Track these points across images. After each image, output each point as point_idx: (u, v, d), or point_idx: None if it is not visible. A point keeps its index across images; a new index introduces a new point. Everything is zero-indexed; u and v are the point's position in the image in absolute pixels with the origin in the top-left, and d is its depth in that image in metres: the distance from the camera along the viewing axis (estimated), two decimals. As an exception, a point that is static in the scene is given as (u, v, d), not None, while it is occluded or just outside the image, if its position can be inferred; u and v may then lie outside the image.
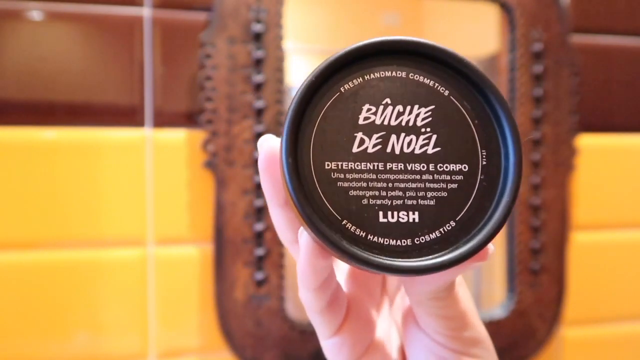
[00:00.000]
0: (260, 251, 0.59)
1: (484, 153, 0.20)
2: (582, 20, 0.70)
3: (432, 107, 0.20)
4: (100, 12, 0.58)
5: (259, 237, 0.59)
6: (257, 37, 0.59)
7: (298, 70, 0.66)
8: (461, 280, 0.26)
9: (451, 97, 0.21)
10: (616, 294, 0.71)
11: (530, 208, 0.66)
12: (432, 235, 0.20)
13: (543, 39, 0.66)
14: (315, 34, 0.69)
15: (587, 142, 0.70)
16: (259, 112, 0.59)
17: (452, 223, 0.20)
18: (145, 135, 0.59)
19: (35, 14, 0.57)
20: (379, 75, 0.21)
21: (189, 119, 0.60)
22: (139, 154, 0.59)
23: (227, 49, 0.58)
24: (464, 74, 0.21)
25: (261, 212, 0.59)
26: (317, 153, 0.20)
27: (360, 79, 0.21)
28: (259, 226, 0.59)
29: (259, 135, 0.59)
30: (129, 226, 0.59)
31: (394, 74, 0.21)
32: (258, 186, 0.59)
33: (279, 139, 0.22)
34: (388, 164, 0.20)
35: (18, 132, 0.56)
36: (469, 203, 0.20)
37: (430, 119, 0.20)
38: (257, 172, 0.59)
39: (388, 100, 0.20)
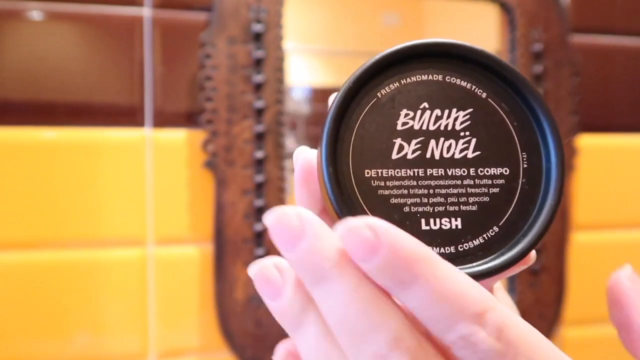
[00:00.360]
0: (260, 251, 0.59)
1: (525, 155, 0.20)
2: (582, 20, 0.70)
3: (471, 110, 0.20)
4: (100, 12, 0.58)
5: (259, 237, 0.59)
6: (257, 37, 0.59)
7: (298, 70, 0.66)
8: (499, 285, 0.25)
9: (489, 99, 0.20)
10: (616, 294, 0.71)
11: (530, 208, 0.66)
12: (476, 242, 0.20)
13: (543, 39, 0.66)
14: (315, 34, 0.69)
15: (587, 142, 0.70)
16: (259, 112, 0.59)
17: (496, 228, 0.20)
18: (145, 135, 0.59)
19: (35, 14, 0.57)
20: (415, 79, 0.21)
21: (189, 119, 0.60)
22: (139, 154, 0.59)
23: (227, 49, 0.58)
24: (501, 75, 0.21)
25: (261, 212, 0.59)
26: (356, 161, 0.20)
27: (397, 83, 0.20)
28: (259, 226, 0.59)
29: (259, 135, 0.59)
30: (129, 226, 0.59)
31: (430, 77, 0.20)
32: (258, 186, 0.59)
33: (314, 151, 0.21)
34: (428, 169, 0.20)
35: (18, 132, 0.56)
36: (512, 207, 0.20)
37: (469, 122, 0.20)
38: (257, 172, 0.59)
39: (426, 104, 0.20)
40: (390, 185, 0.20)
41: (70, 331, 0.57)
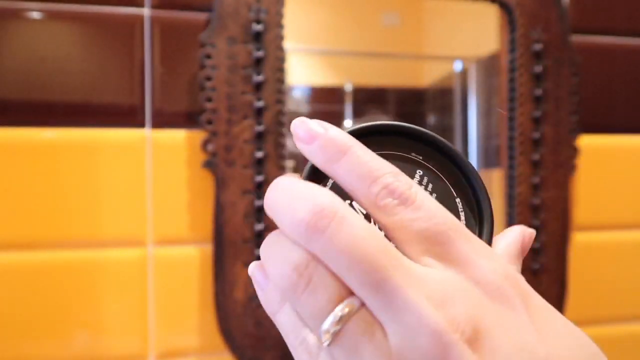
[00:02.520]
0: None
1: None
2: (582, 20, 0.70)
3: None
4: (100, 12, 0.58)
5: (259, 237, 0.59)
6: (257, 37, 0.59)
7: (298, 70, 0.66)
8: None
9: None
10: (616, 294, 0.71)
11: (530, 208, 0.66)
12: None
13: (543, 39, 0.66)
14: (315, 34, 0.69)
15: (588, 143, 0.70)
16: (259, 112, 0.59)
17: None
18: (145, 136, 0.59)
19: (35, 14, 0.57)
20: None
21: (189, 119, 0.60)
22: (138, 154, 0.59)
23: (227, 49, 0.58)
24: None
25: (261, 212, 0.59)
26: None
27: None
28: (259, 226, 0.59)
29: (259, 135, 0.59)
30: (129, 226, 0.59)
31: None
32: (258, 186, 0.59)
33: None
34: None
35: (18, 132, 0.56)
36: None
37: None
38: (257, 172, 0.59)
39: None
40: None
41: (70, 331, 0.57)
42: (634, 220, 0.72)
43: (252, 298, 0.59)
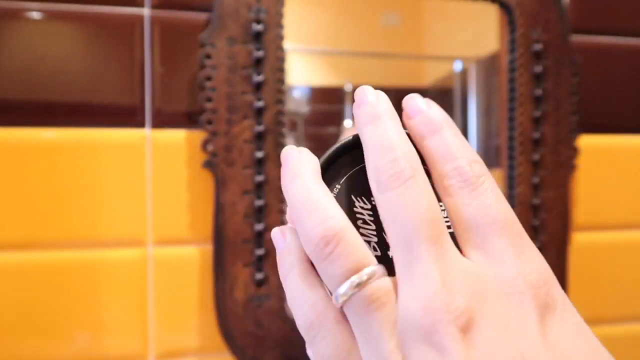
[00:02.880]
0: (260, 251, 0.59)
1: None
2: (582, 20, 0.70)
3: None
4: (100, 12, 0.58)
5: (259, 237, 0.59)
6: (257, 37, 0.59)
7: (298, 70, 0.66)
8: None
9: None
10: (616, 294, 0.71)
11: (530, 208, 0.66)
12: None
13: (543, 39, 0.66)
14: (315, 34, 0.69)
15: (588, 143, 0.70)
16: (259, 112, 0.59)
17: None
18: (145, 135, 0.59)
19: (35, 14, 0.57)
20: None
21: (189, 119, 0.60)
22: (138, 154, 0.59)
23: (227, 49, 0.58)
24: None
25: (261, 212, 0.59)
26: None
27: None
28: (259, 226, 0.59)
29: (259, 135, 0.59)
30: (129, 226, 0.59)
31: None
32: (258, 186, 0.59)
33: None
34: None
35: (18, 132, 0.56)
36: None
37: None
38: (257, 172, 0.59)
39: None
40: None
41: (70, 331, 0.57)
42: (634, 220, 0.72)
43: (252, 298, 0.59)
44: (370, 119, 0.22)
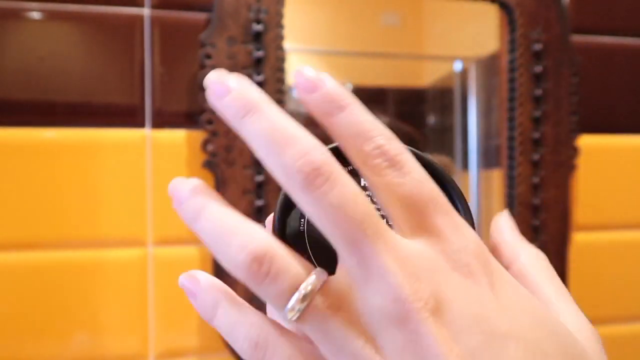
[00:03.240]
0: (260, 251, 0.59)
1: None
2: (582, 20, 0.70)
3: None
4: (100, 12, 0.58)
5: (259, 237, 0.59)
6: (257, 37, 0.59)
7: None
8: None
9: None
10: (616, 293, 0.71)
11: (530, 208, 0.66)
12: None
13: (543, 39, 0.66)
14: (315, 34, 0.69)
15: (588, 143, 0.70)
16: (259, 112, 0.59)
17: None
18: (145, 136, 0.59)
19: (35, 14, 0.57)
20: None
21: (189, 119, 0.60)
22: (138, 154, 0.59)
23: (227, 49, 0.58)
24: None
25: (261, 212, 0.59)
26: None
27: None
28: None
29: (259, 135, 0.59)
30: (129, 226, 0.59)
31: None
32: (258, 186, 0.59)
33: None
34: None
35: (18, 132, 0.56)
36: None
37: None
38: (257, 172, 0.59)
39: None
40: None
41: (70, 331, 0.57)
42: (634, 220, 0.72)
43: (253, 298, 0.59)
44: (246, 110, 0.20)
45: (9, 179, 0.56)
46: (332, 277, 0.20)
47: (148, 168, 0.59)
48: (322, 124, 0.21)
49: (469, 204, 0.24)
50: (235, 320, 0.21)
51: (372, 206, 0.19)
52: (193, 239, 0.60)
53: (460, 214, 0.23)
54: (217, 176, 0.58)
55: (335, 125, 0.21)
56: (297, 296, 0.19)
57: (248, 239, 0.20)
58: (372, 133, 0.20)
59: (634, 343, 0.72)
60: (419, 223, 0.20)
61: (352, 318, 0.19)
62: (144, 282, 0.59)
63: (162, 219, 0.59)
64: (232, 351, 0.59)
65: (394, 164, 0.20)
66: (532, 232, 0.66)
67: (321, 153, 0.19)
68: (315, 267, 0.20)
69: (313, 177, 0.19)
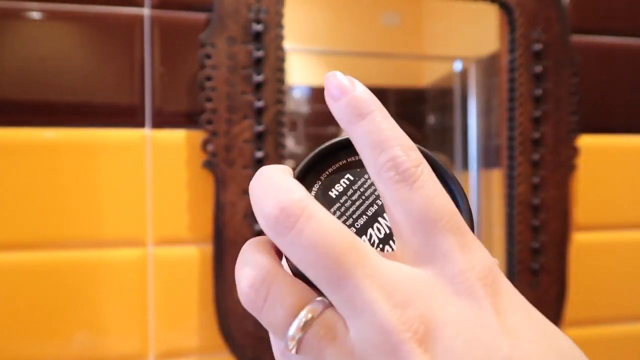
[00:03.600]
0: (260, 251, 0.59)
1: None
2: (582, 20, 0.70)
3: None
4: (100, 12, 0.58)
5: (259, 237, 0.59)
6: (257, 37, 0.59)
7: (298, 70, 0.66)
8: None
9: None
10: (616, 294, 0.71)
11: (531, 208, 0.66)
12: None
13: (543, 39, 0.66)
14: (315, 34, 0.69)
15: (588, 143, 0.70)
16: (259, 112, 0.59)
17: None
18: (145, 136, 0.59)
19: (35, 14, 0.57)
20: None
21: (189, 119, 0.60)
22: (138, 154, 0.59)
23: (227, 49, 0.58)
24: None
25: (261, 212, 0.59)
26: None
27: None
28: (259, 226, 0.59)
29: (259, 135, 0.59)
30: (129, 226, 0.59)
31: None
32: (258, 186, 0.59)
33: None
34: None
35: (18, 132, 0.56)
36: None
37: None
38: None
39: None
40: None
41: (70, 331, 0.57)
42: (634, 220, 0.72)
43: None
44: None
45: (9, 179, 0.56)
46: (328, 307, 0.19)
47: (148, 168, 0.59)
48: (345, 131, 0.21)
49: (469, 201, 0.23)
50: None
51: (350, 236, 0.19)
52: (193, 239, 0.60)
53: (461, 212, 0.22)
54: (217, 176, 0.58)
55: (355, 133, 0.20)
56: (296, 325, 0.18)
57: (246, 271, 0.20)
58: (389, 143, 0.20)
59: (634, 343, 0.72)
60: (425, 242, 0.19)
61: (345, 348, 0.18)
62: (144, 282, 0.59)
63: (162, 219, 0.59)
64: (232, 351, 0.60)
65: (405, 177, 0.19)
66: (532, 232, 0.66)
67: (290, 194, 0.19)
68: (314, 291, 0.20)
69: (283, 220, 0.18)
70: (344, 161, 0.24)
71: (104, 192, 0.58)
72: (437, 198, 0.19)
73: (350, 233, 0.19)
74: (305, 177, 0.23)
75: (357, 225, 0.23)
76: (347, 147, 0.24)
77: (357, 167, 0.24)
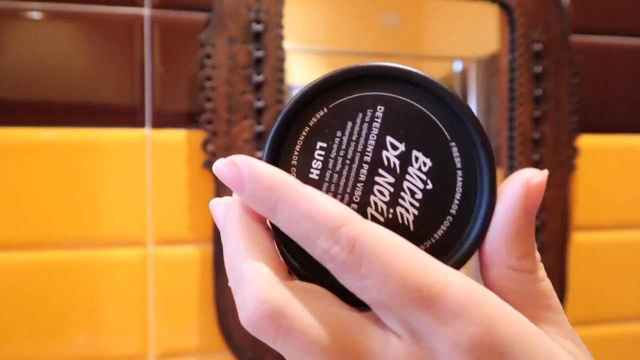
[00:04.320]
0: (260, 251, 0.59)
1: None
2: (582, 20, 0.70)
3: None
4: (100, 12, 0.58)
5: (259, 237, 0.59)
6: (257, 37, 0.59)
7: (298, 70, 0.66)
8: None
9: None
10: (616, 294, 0.71)
11: (530, 208, 0.66)
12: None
13: (543, 39, 0.66)
14: (315, 34, 0.69)
15: (588, 143, 0.70)
16: (259, 112, 0.59)
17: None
18: (145, 136, 0.59)
19: (35, 14, 0.57)
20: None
21: (189, 119, 0.60)
22: (138, 154, 0.59)
23: (227, 49, 0.58)
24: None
25: (261, 212, 0.59)
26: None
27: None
28: (259, 226, 0.58)
29: (259, 135, 0.59)
30: (129, 226, 0.59)
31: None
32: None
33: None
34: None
35: (18, 132, 0.56)
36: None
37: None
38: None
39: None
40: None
41: (70, 331, 0.57)
42: (634, 220, 0.72)
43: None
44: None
45: (9, 179, 0.56)
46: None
47: (148, 168, 0.59)
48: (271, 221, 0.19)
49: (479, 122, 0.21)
50: None
51: (326, 336, 0.18)
52: (193, 239, 0.60)
53: (479, 152, 0.20)
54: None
55: (279, 224, 0.19)
56: None
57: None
58: (312, 235, 0.18)
59: (634, 343, 0.72)
60: (402, 321, 0.18)
61: None
62: (144, 282, 0.59)
63: (162, 219, 0.59)
64: (232, 351, 0.60)
65: (348, 267, 0.17)
66: (532, 232, 0.66)
67: (263, 303, 0.18)
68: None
69: (265, 329, 0.18)
70: (307, 128, 0.21)
71: (104, 192, 0.58)
72: (392, 276, 0.17)
73: (324, 333, 0.18)
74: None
75: (356, 199, 0.21)
76: (300, 110, 0.21)
77: (324, 127, 0.21)
